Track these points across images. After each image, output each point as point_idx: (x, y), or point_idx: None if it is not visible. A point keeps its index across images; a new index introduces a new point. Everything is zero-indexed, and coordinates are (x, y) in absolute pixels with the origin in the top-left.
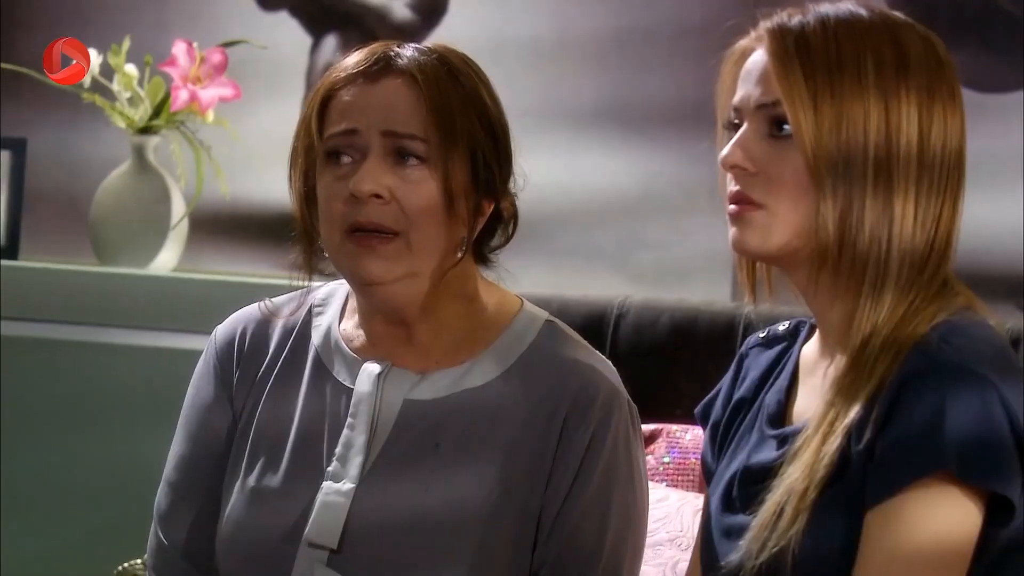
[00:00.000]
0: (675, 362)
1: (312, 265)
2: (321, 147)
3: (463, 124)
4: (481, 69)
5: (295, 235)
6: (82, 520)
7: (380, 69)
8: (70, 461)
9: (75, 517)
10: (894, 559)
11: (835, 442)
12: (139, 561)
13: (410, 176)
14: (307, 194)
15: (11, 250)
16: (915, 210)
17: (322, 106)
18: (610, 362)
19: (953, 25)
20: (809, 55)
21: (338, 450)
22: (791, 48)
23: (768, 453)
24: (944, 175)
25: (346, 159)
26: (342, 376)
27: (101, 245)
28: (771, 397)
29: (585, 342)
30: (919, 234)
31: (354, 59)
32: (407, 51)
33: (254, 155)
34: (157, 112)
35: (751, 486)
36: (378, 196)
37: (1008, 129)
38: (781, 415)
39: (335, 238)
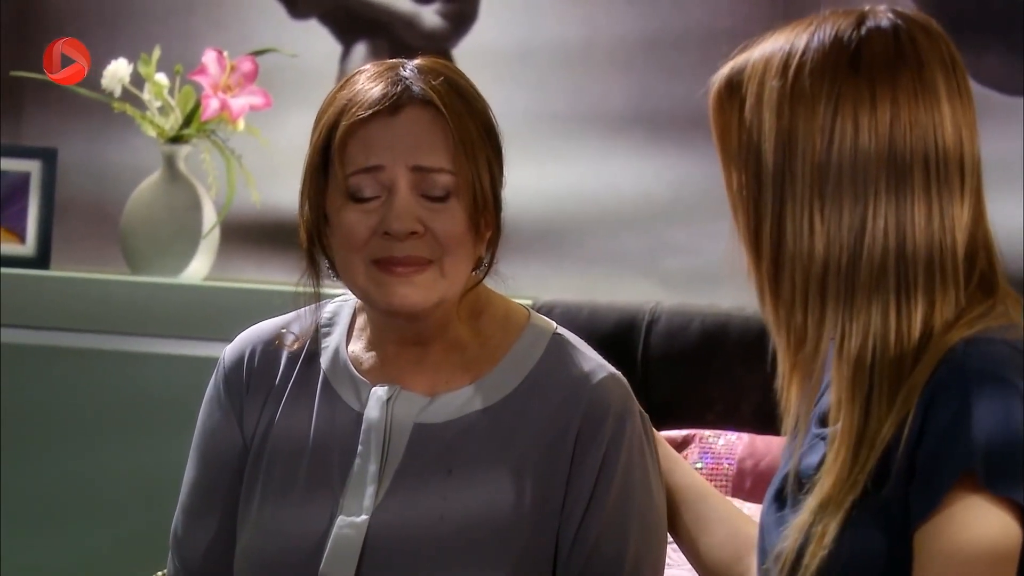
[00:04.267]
0: (707, 368)
1: (319, 289)
2: (343, 182)
3: (481, 149)
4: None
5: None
6: (111, 529)
7: (401, 101)
8: (102, 470)
9: (105, 526)
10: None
11: (870, 455)
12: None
13: (439, 207)
14: (316, 220)
15: (42, 260)
16: (920, 215)
17: (342, 139)
18: (620, 372)
19: (979, 27)
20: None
21: (350, 480)
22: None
23: (816, 453)
24: (949, 176)
25: (370, 193)
26: (351, 401)
27: (132, 254)
28: (828, 395)
29: (594, 352)
30: (927, 239)
31: (371, 90)
32: (415, 75)
33: (285, 163)
34: (188, 121)
35: (797, 485)
36: (413, 232)
37: (1009, 132)
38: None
39: (359, 268)
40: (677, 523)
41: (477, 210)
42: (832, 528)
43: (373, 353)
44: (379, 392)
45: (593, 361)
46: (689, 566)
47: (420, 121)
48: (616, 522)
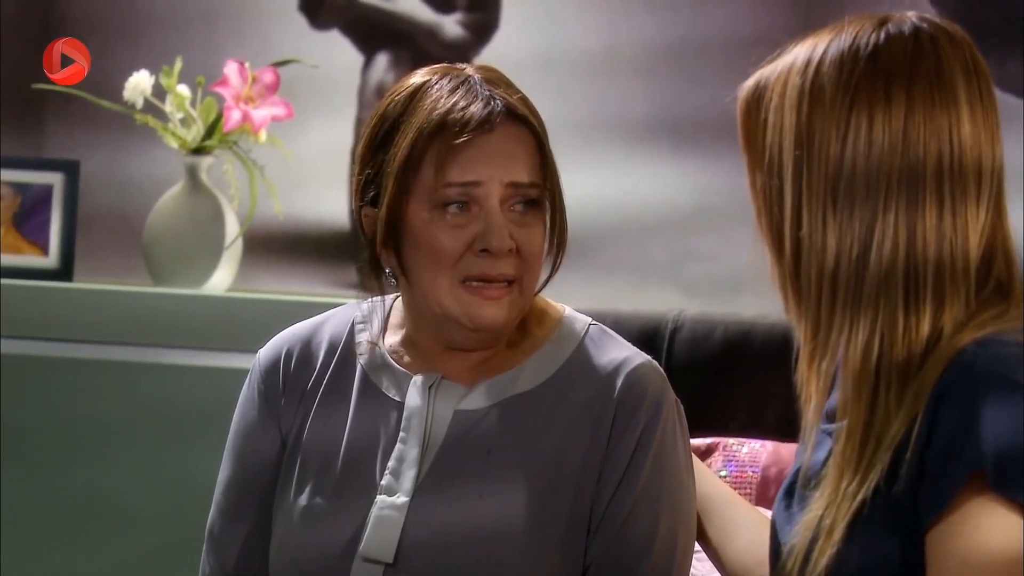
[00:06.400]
0: (730, 375)
1: (383, 287)
2: (434, 193)
3: (554, 160)
4: None
5: (363, 263)
6: (133, 542)
7: (497, 118)
8: (126, 482)
9: (128, 538)
10: None
11: (876, 451)
12: None
13: (526, 222)
14: (392, 223)
15: (65, 272)
16: (930, 222)
17: (441, 154)
18: (656, 362)
19: (1002, 35)
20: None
21: (391, 464)
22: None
23: (823, 450)
24: (964, 179)
25: (460, 207)
26: (391, 391)
27: (155, 266)
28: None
29: (629, 343)
30: (942, 246)
31: (468, 107)
32: (494, 89)
33: (307, 174)
34: (210, 132)
35: (806, 481)
36: (509, 250)
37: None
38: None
39: (445, 285)
40: (704, 531)
41: (555, 223)
42: (840, 523)
43: (412, 347)
44: (420, 380)
45: (629, 349)
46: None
47: (512, 137)
48: (646, 505)
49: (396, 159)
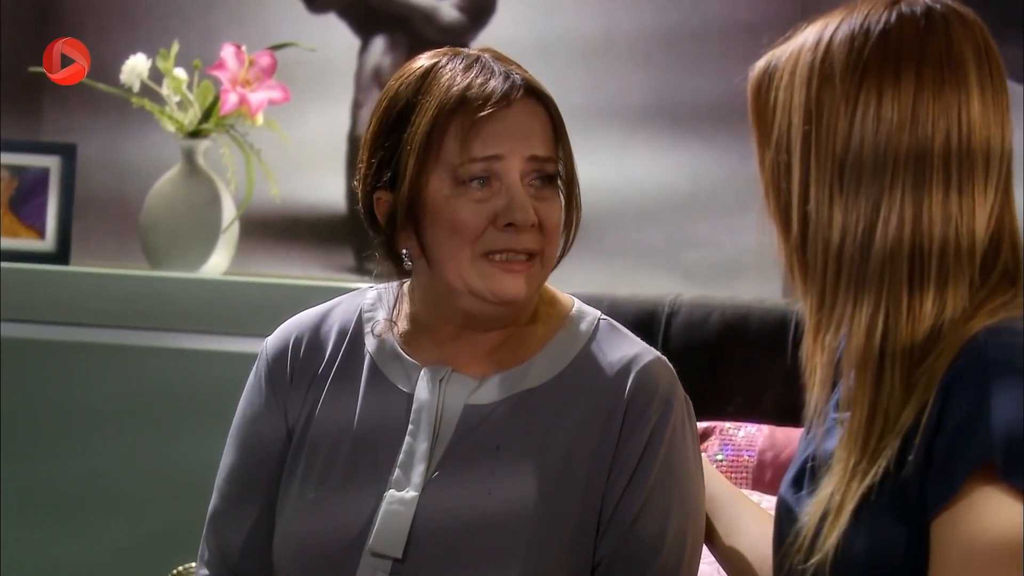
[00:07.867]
0: (727, 360)
1: (401, 269)
2: (458, 169)
3: (567, 136)
4: None
5: (377, 243)
6: (134, 525)
7: (516, 93)
8: (122, 465)
9: (123, 523)
10: (961, 567)
11: (884, 432)
12: (194, 565)
13: (544, 196)
14: (411, 200)
15: (62, 255)
16: (938, 206)
17: (464, 130)
18: (665, 357)
19: (1003, 20)
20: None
21: (400, 458)
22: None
23: (833, 438)
24: (972, 160)
25: (481, 183)
26: (400, 382)
27: (152, 249)
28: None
29: (639, 339)
30: (949, 230)
31: (486, 83)
32: (507, 66)
33: (304, 157)
34: (206, 116)
35: (816, 469)
36: (532, 224)
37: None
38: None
39: (466, 259)
40: (710, 530)
41: (570, 198)
42: (849, 502)
43: (422, 336)
44: (431, 373)
45: (639, 345)
46: (709, 559)
47: (529, 112)
48: (657, 502)
49: (416, 137)
